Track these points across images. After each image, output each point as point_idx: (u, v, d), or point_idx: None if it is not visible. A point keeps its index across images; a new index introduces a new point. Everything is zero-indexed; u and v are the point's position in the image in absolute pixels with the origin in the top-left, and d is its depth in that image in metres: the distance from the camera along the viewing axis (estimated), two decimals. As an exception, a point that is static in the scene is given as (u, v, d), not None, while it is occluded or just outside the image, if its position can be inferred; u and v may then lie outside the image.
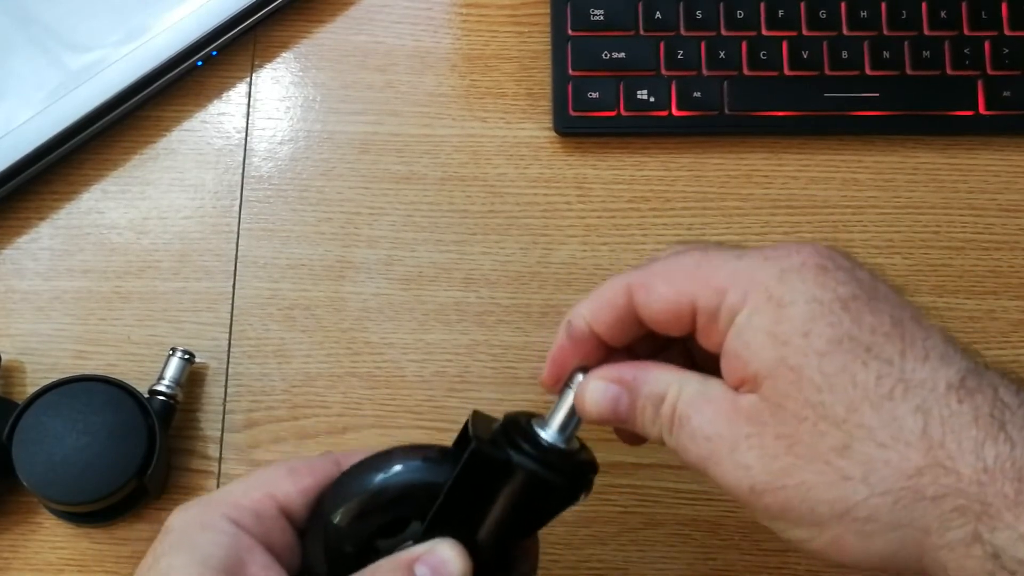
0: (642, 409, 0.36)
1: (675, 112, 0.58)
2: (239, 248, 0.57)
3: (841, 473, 0.31)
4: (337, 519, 0.37)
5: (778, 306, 0.32)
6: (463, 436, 0.38)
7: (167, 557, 0.35)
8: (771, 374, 0.32)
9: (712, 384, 0.34)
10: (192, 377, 0.54)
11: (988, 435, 0.30)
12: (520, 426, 0.37)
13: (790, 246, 0.34)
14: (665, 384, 0.35)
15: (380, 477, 0.38)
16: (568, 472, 0.37)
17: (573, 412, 0.37)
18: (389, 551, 0.37)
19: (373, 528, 0.37)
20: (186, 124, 0.58)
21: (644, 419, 0.36)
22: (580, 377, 0.37)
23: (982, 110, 0.58)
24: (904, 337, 0.32)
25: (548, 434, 0.37)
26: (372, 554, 0.37)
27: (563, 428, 0.37)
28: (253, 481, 0.39)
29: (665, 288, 0.35)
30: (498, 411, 0.45)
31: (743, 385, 0.33)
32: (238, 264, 0.56)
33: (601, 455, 0.53)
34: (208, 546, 0.35)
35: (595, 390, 0.36)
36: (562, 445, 0.37)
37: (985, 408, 0.31)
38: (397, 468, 0.38)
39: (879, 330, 0.32)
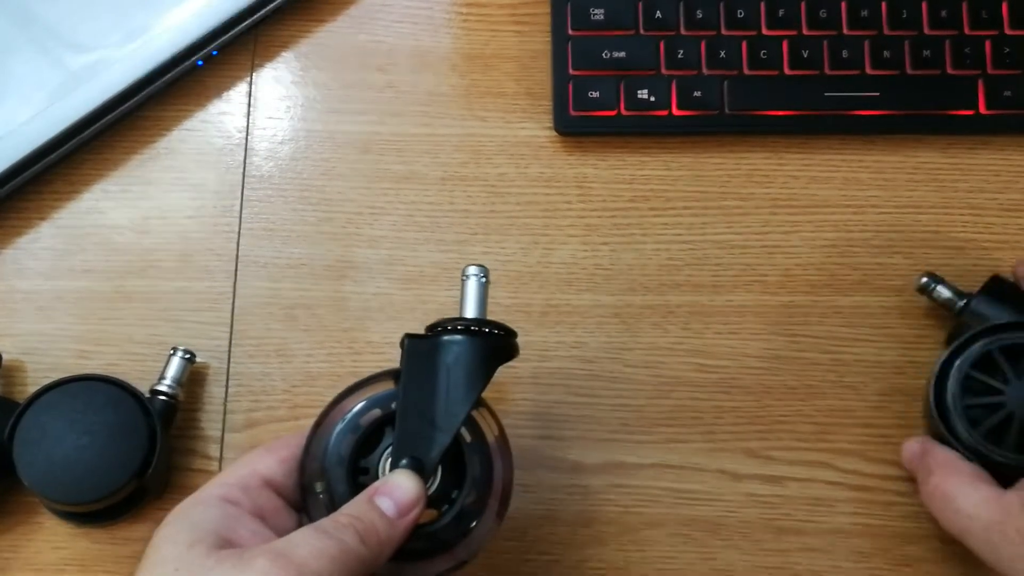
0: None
1: (675, 112, 0.58)
2: (240, 248, 0.57)
3: None
4: (321, 456, 0.42)
5: None
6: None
7: (162, 531, 0.39)
8: None
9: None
10: (193, 377, 0.54)
11: None
12: (442, 320, 0.44)
13: None
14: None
15: (345, 406, 0.43)
16: (488, 325, 0.43)
17: (478, 296, 0.44)
18: (374, 465, 0.42)
19: (353, 452, 0.42)
20: (187, 124, 0.58)
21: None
22: (473, 269, 0.44)
23: (982, 109, 0.58)
24: None
25: (466, 315, 0.44)
26: (360, 475, 0.42)
27: (476, 310, 0.44)
28: (236, 464, 0.43)
29: None
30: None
31: None
32: (239, 264, 0.56)
33: (602, 455, 0.54)
34: (198, 516, 0.39)
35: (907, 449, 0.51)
36: (479, 316, 0.44)
37: None
38: (356, 394, 0.43)
39: None
